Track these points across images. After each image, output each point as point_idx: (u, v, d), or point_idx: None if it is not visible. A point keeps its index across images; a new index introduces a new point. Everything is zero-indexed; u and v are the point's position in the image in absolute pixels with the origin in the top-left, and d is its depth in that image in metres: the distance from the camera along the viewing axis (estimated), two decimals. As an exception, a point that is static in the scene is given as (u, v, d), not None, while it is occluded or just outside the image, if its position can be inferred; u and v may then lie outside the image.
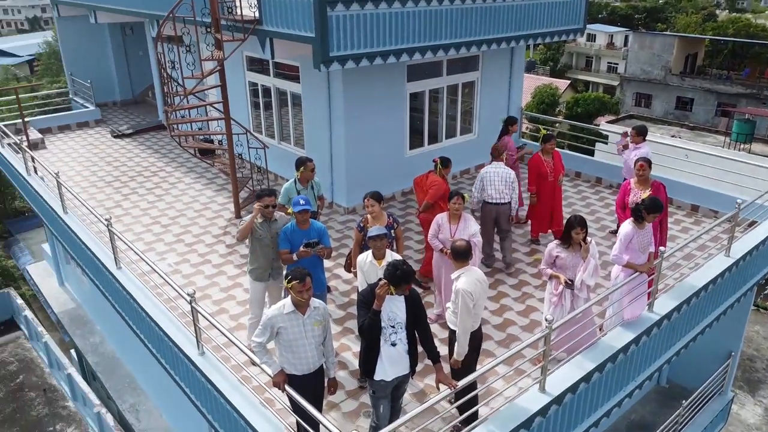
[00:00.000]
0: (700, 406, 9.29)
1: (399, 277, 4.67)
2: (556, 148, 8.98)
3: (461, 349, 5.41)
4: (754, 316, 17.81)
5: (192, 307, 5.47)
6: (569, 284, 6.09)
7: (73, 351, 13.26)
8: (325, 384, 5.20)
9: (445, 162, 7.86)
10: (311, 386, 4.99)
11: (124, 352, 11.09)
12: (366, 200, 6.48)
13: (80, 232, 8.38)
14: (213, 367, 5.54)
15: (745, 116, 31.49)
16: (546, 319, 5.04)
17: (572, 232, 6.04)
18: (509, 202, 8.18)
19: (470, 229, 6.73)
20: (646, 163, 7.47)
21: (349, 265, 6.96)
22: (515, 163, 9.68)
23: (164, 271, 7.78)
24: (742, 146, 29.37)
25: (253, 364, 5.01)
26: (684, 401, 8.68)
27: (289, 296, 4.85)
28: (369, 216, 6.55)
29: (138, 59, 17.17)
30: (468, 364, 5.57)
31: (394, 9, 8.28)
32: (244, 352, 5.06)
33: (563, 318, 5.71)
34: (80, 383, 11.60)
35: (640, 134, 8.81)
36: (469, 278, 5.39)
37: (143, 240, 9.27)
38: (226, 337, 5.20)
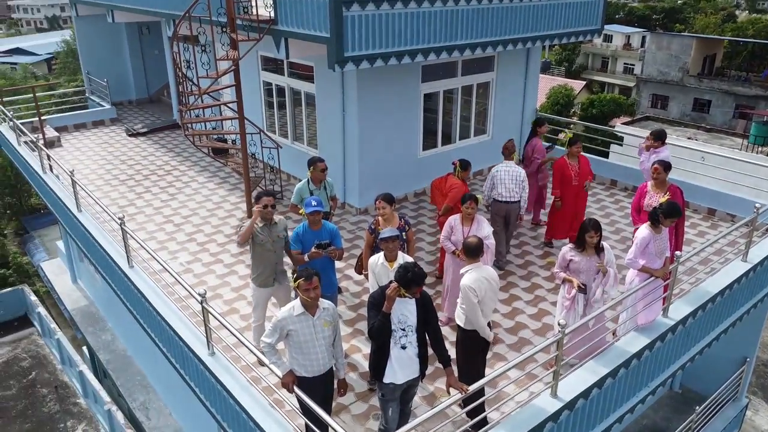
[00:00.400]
0: (714, 412, 9.15)
1: (410, 279, 4.64)
2: (583, 153, 8.79)
3: (488, 333, 5.47)
4: (770, 322, 17.58)
5: (203, 307, 5.48)
6: (582, 288, 6.02)
7: (85, 348, 13.37)
8: (335, 385, 5.18)
9: (465, 165, 7.83)
10: (321, 388, 4.98)
11: (135, 350, 11.17)
12: (377, 202, 6.45)
13: (93, 230, 8.45)
14: (223, 367, 5.54)
15: (764, 118, 31.05)
16: (559, 324, 4.98)
17: (586, 236, 5.97)
18: (519, 201, 8.20)
19: (483, 231, 6.70)
20: (661, 166, 7.36)
21: (360, 267, 6.94)
22: (542, 166, 9.57)
23: (176, 270, 7.84)
24: (760, 149, 28.98)
25: (262, 364, 5.01)
26: (697, 407, 8.56)
27: (299, 297, 4.84)
28: (380, 218, 6.52)
29: (154, 58, 17.29)
30: (476, 369, 5.55)
31: (409, 9, 8.24)
32: (253, 353, 5.05)
33: (575, 322, 5.65)
34: (92, 380, 11.71)
35: (659, 139, 8.66)
36: (475, 275, 5.41)
37: (156, 239, 9.32)
38: (236, 337, 5.20)
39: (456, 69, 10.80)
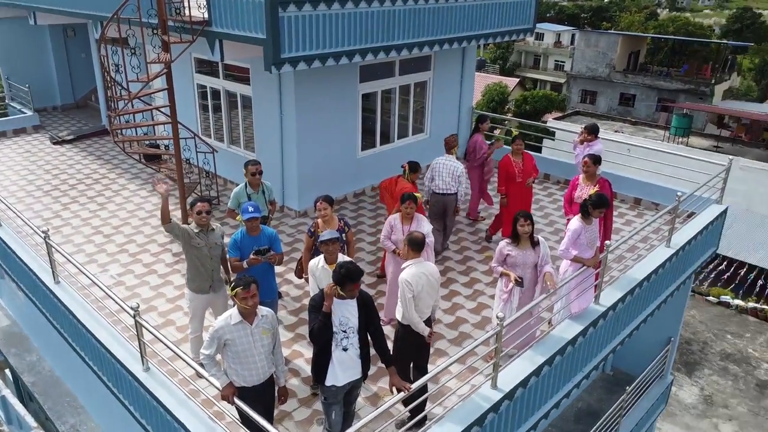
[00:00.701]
0: (643, 390, 9.60)
1: (343, 275, 4.63)
2: (527, 150, 8.97)
3: (422, 328, 5.48)
4: (690, 301, 18.73)
5: (136, 321, 5.28)
6: (519, 282, 6.16)
7: (8, 371, 12.59)
8: (276, 393, 5.11)
9: (414, 167, 7.91)
10: (261, 397, 4.89)
11: (64, 370, 10.62)
12: (319, 203, 6.42)
13: (15, 246, 7.95)
14: (158, 382, 5.35)
15: (683, 111, 32.78)
16: (497, 317, 5.09)
17: (517, 226, 6.15)
18: (455, 194, 8.45)
19: (423, 229, 6.75)
20: (590, 159, 7.64)
21: (300, 271, 6.88)
22: (487, 159, 9.71)
23: (106, 283, 7.51)
24: (680, 140, 30.59)
25: (200, 377, 4.87)
26: (628, 387, 8.92)
27: (236, 306, 4.74)
28: (320, 220, 6.48)
29: (80, 62, 16.56)
30: (411, 364, 5.61)
31: (346, 10, 8.21)
32: (190, 366, 4.91)
33: (512, 315, 5.80)
34: (15, 405, 11.01)
35: (592, 132, 8.98)
36: (414, 270, 5.48)
37: (84, 251, 8.92)
38: (172, 351, 5.03)
39: (393, 69, 10.85)
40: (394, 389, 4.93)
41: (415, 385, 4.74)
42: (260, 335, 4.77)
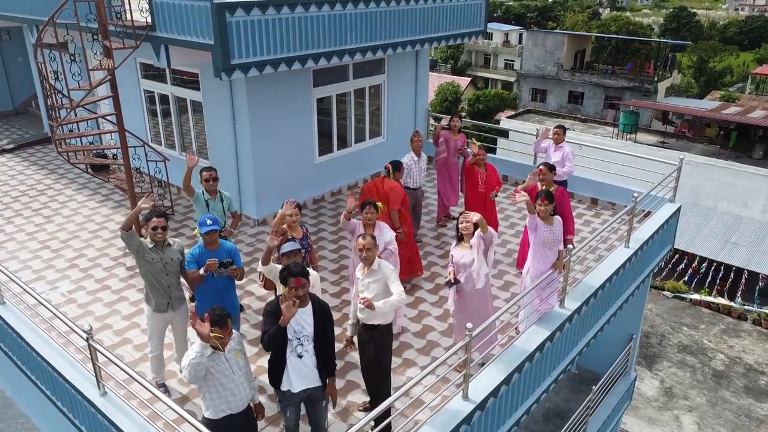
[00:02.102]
0: (608, 388, 9.78)
1: (284, 271, 4.65)
2: (489, 162, 8.99)
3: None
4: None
5: (89, 345, 4.99)
6: (451, 282, 6.14)
7: (-45, 393, 11.89)
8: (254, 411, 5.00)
9: (397, 165, 7.89)
10: (245, 421, 4.80)
11: (16, 391, 10.08)
12: (293, 208, 6.25)
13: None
14: (116, 407, 5.07)
15: (630, 108, 33.79)
16: (466, 327, 5.04)
17: (459, 225, 6.18)
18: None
19: (385, 236, 6.67)
20: (546, 167, 7.70)
21: (264, 279, 6.67)
22: (440, 156, 9.67)
23: (57, 301, 7.11)
24: (628, 136, 31.51)
25: (159, 399, 4.63)
26: (593, 386, 9.08)
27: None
28: (286, 226, 6.31)
29: (17, 66, 15.72)
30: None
31: (296, 14, 8.03)
32: (148, 389, 4.65)
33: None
34: (-35, 429, 10.41)
35: (565, 132, 9.36)
36: None
37: (31, 268, 8.45)
38: (129, 375, 4.76)
39: (347, 72, 10.72)
40: (365, 407, 4.82)
41: (384, 404, 4.65)
42: (235, 358, 4.67)
